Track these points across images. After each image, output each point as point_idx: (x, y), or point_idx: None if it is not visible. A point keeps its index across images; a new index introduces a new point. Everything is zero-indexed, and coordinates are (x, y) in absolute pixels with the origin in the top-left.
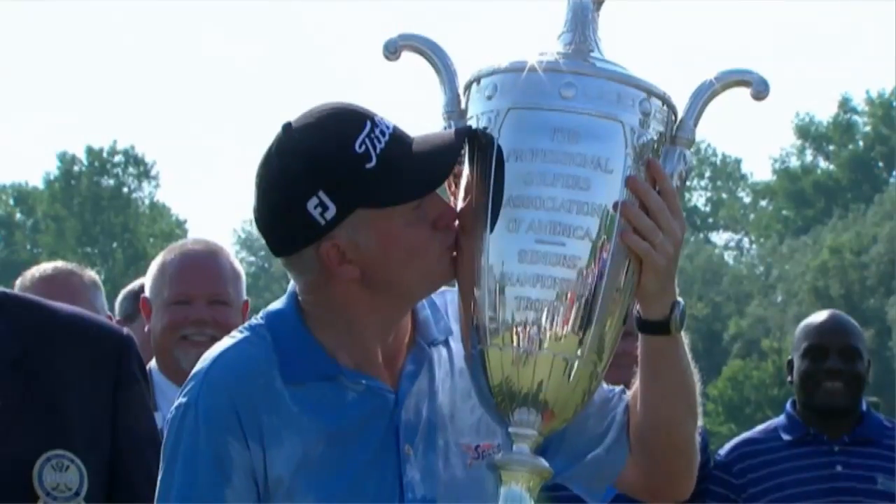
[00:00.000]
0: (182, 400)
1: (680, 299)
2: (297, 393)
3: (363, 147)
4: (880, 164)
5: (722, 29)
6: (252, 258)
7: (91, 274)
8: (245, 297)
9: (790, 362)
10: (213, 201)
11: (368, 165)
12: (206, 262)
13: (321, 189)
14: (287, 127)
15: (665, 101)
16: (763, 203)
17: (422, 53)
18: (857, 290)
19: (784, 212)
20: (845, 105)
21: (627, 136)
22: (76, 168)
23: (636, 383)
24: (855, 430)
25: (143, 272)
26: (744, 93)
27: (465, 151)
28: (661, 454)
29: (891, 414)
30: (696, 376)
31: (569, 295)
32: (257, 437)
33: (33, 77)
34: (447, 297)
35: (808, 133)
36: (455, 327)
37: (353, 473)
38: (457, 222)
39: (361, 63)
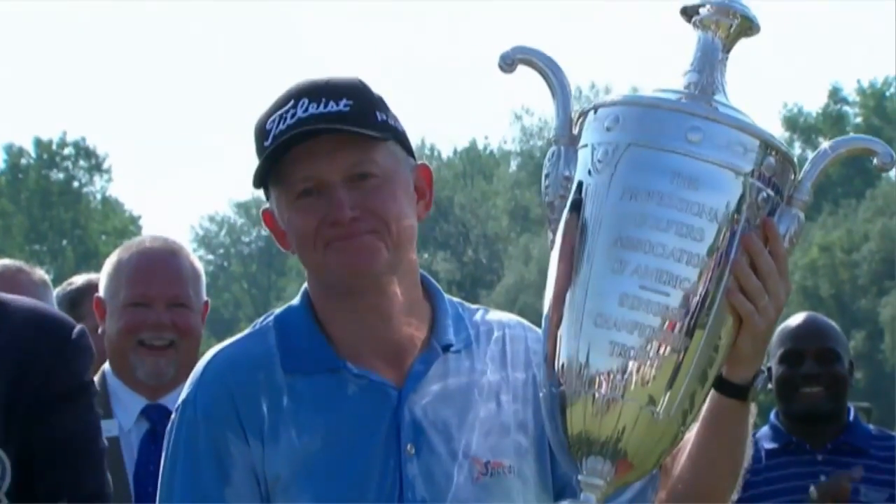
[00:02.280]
0: (182, 397)
1: (764, 368)
2: (297, 385)
3: (271, 124)
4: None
5: None
6: (210, 256)
7: (40, 273)
8: (205, 297)
9: (769, 369)
10: (169, 196)
11: (265, 143)
12: (165, 262)
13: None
14: None
15: (787, 158)
16: None
17: (538, 70)
18: (848, 290)
19: None
20: (835, 95)
21: (748, 191)
22: (24, 161)
23: (685, 440)
24: (839, 437)
25: (94, 270)
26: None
27: (574, 179)
28: None
29: (883, 420)
30: (749, 452)
31: (665, 347)
32: (257, 432)
33: None
34: (481, 314)
35: (796, 125)
36: (480, 348)
37: (352, 470)
38: (357, 219)
39: (330, 59)
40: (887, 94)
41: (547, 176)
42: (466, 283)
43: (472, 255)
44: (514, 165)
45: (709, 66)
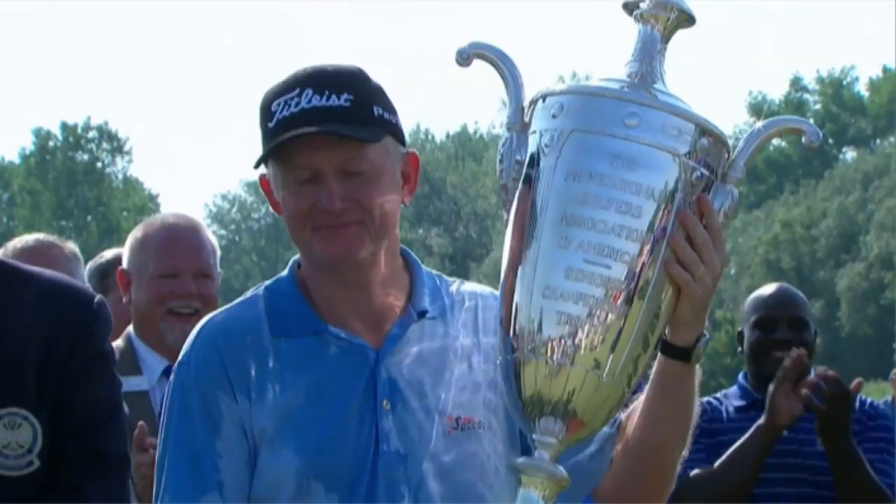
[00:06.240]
0: (179, 359)
1: (706, 332)
2: (282, 347)
3: (276, 107)
4: (830, 141)
5: None
6: (223, 231)
7: (72, 246)
8: (219, 269)
9: (740, 334)
10: (184, 176)
11: (269, 124)
12: (190, 237)
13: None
14: None
15: (720, 139)
16: None
17: (491, 63)
18: (808, 263)
19: None
20: (797, 84)
21: (682, 171)
22: (51, 143)
23: (639, 400)
24: None
25: (116, 244)
26: (696, 72)
27: (526, 165)
28: (644, 473)
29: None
30: (697, 411)
31: (608, 316)
32: (245, 390)
33: (8, 54)
34: (457, 286)
35: (760, 111)
36: (455, 316)
37: (331, 423)
38: (340, 207)
39: (337, 45)
40: (844, 83)
41: (501, 160)
42: (458, 257)
43: (464, 231)
44: None
45: (648, 56)
